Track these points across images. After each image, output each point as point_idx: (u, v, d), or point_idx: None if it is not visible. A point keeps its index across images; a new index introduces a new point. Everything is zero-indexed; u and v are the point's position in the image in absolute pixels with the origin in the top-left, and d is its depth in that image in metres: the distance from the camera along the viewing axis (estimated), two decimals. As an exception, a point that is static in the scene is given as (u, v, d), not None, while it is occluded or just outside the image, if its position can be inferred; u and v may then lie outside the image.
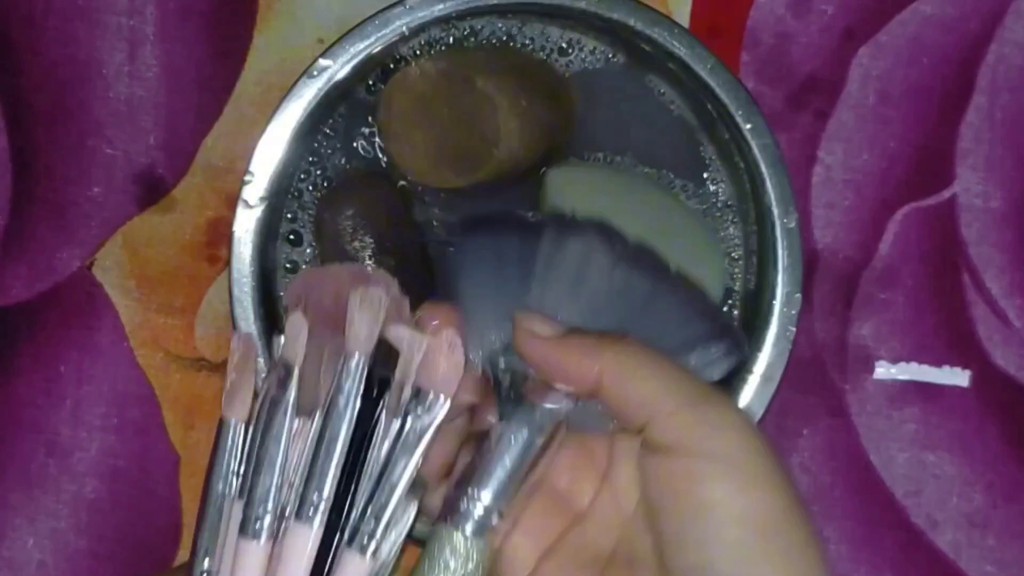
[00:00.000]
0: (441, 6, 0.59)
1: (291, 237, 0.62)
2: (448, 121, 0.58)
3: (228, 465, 0.46)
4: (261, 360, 0.60)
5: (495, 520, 0.46)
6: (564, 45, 0.62)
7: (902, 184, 0.66)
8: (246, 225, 0.59)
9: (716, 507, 0.43)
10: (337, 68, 0.59)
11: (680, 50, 0.60)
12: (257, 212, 0.59)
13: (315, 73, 0.59)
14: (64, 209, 0.65)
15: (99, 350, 0.65)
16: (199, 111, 0.65)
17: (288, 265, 0.62)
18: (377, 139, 0.61)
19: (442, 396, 0.45)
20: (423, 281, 0.61)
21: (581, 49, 0.62)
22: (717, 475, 0.43)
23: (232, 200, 0.60)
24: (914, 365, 0.65)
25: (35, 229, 0.65)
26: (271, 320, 0.60)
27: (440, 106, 0.58)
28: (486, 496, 0.45)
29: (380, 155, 0.62)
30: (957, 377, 0.65)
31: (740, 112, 0.60)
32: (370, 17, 0.59)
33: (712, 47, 0.60)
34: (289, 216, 0.62)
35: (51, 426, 0.64)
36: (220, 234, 0.64)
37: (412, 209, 0.61)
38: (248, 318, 0.59)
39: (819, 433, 0.65)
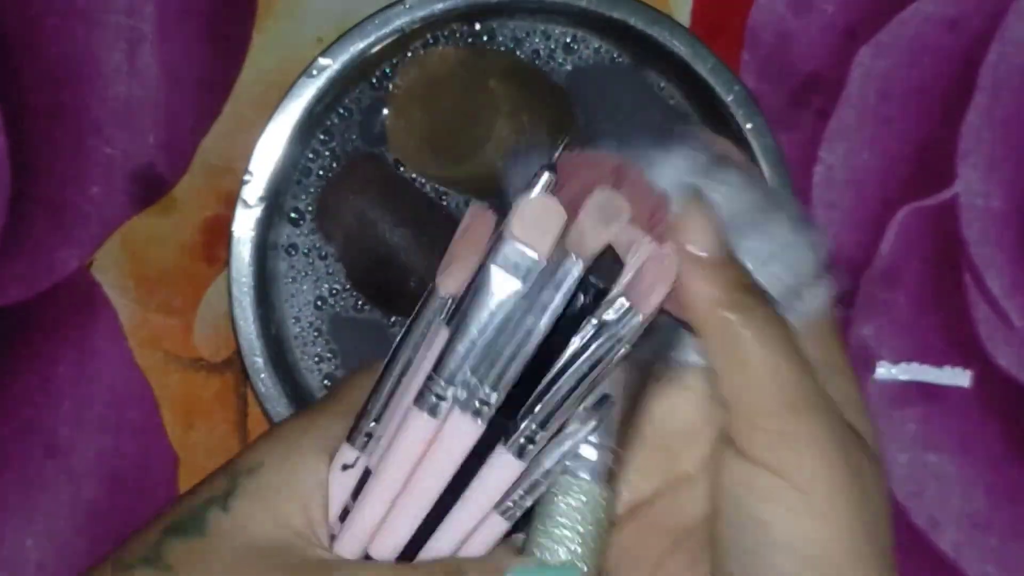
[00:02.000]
0: (441, 6, 0.59)
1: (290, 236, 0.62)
2: (449, 110, 0.59)
3: (423, 335, 0.42)
4: (260, 360, 0.60)
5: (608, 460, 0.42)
6: (568, 41, 0.62)
7: (903, 184, 0.66)
8: (245, 225, 0.59)
9: (771, 529, 0.40)
10: (337, 67, 0.59)
11: (680, 49, 0.60)
12: (256, 212, 0.59)
13: (315, 72, 0.59)
14: (63, 209, 0.65)
15: (98, 350, 0.64)
16: (198, 111, 0.65)
17: (287, 264, 0.62)
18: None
19: (640, 315, 0.41)
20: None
21: (587, 47, 0.62)
22: (780, 495, 0.40)
23: (231, 200, 0.60)
24: (915, 365, 0.65)
25: (33, 229, 0.65)
26: (271, 320, 0.60)
27: (447, 93, 0.59)
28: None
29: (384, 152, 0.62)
30: (958, 377, 0.65)
31: (740, 112, 0.60)
32: (370, 17, 0.59)
33: (712, 46, 0.60)
34: (290, 215, 0.62)
35: (49, 426, 0.64)
36: (219, 234, 0.64)
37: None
38: (247, 318, 0.59)
39: (820, 433, 0.65)
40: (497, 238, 0.41)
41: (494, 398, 0.41)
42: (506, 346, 0.41)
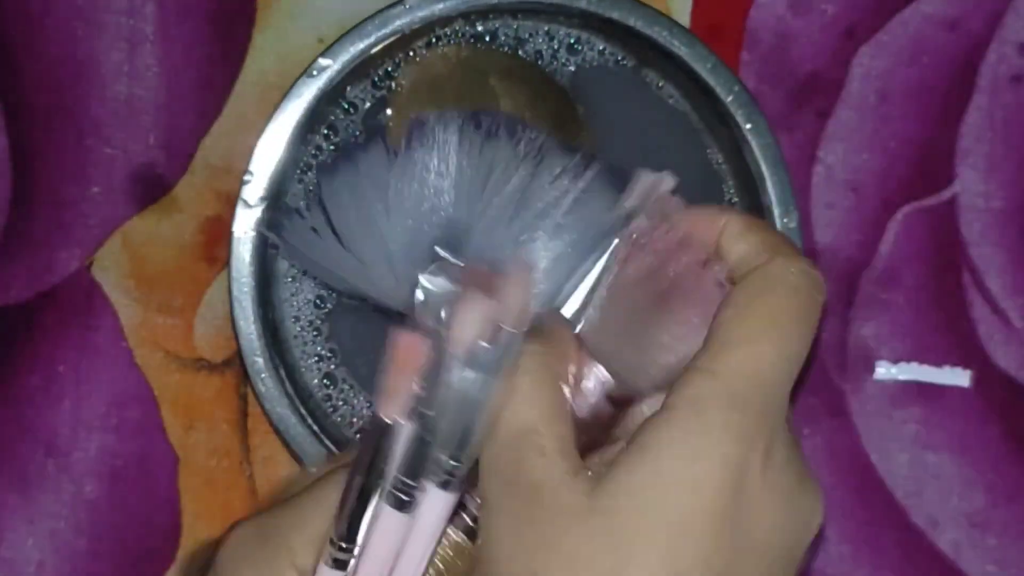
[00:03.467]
0: (441, 6, 0.59)
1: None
2: (451, 108, 0.59)
3: (383, 461, 0.45)
4: (260, 360, 0.60)
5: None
6: (572, 42, 0.62)
7: (903, 184, 0.66)
8: (246, 225, 0.59)
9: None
10: (337, 67, 0.59)
11: (680, 49, 0.60)
12: (257, 212, 0.59)
13: (315, 73, 0.59)
14: (63, 209, 0.65)
15: (98, 350, 0.64)
16: (198, 111, 0.65)
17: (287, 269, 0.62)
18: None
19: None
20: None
21: (592, 49, 0.62)
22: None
23: (232, 200, 0.60)
24: (915, 365, 0.65)
25: (34, 229, 0.65)
26: (270, 320, 0.60)
27: (449, 92, 0.58)
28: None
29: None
30: (958, 377, 0.65)
31: (740, 112, 0.60)
32: (370, 17, 0.59)
33: (712, 46, 0.60)
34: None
35: (50, 426, 0.64)
36: (219, 234, 0.64)
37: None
38: (248, 318, 0.59)
39: (819, 433, 0.65)
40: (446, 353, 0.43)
41: (461, 469, 0.43)
42: (461, 421, 0.43)
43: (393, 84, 0.60)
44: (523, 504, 0.40)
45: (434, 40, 0.61)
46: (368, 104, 0.61)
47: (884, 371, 0.65)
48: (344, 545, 0.45)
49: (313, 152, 0.61)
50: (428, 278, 0.44)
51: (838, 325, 0.65)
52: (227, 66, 0.65)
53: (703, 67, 0.60)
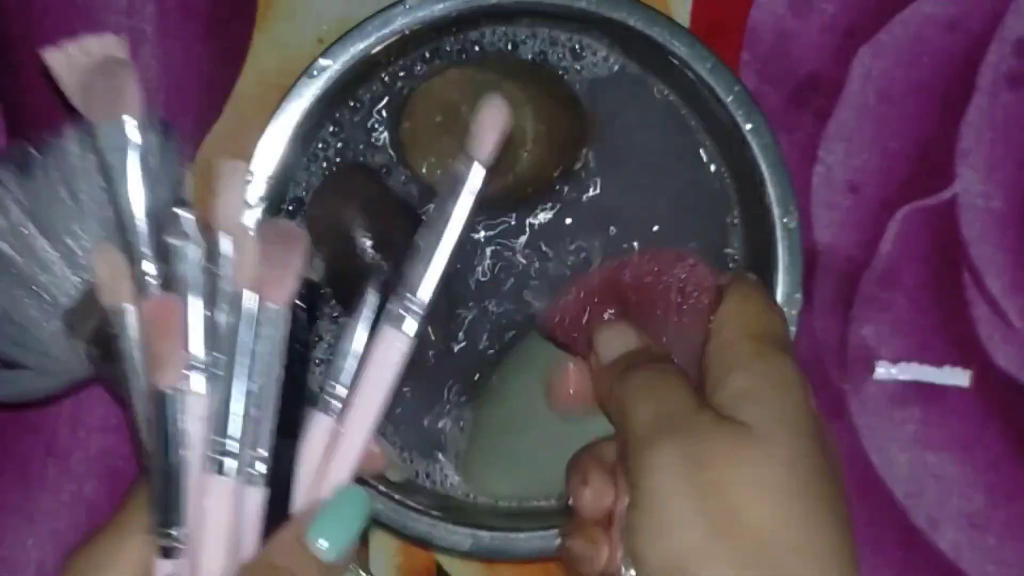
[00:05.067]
0: (441, 6, 0.59)
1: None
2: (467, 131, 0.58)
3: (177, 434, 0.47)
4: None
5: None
6: (576, 47, 0.62)
7: (903, 184, 0.66)
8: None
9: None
10: (337, 68, 0.59)
11: (680, 49, 0.60)
12: (257, 212, 0.59)
13: (315, 73, 0.59)
14: (63, 209, 0.65)
15: (98, 350, 0.64)
16: (198, 111, 0.65)
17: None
18: (377, 137, 0.61)
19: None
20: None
21: (594, 53, 0.62)
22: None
23: (232, 200, 0.60)
24: (915, 365, 0.65)
25: (34, 229, 0.65)
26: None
27: (467, 111, 0.57)
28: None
29: (385, 152, 0.62)
30: (958, 377, 0.65)
31: (740, 112, 0.60)
32: (370, 17, 0.59)
33: (712, 46, 0.60)
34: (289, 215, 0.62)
35: (50, 426, 0.64)
36: (219, 234, 0.64)
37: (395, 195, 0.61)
38: (248, 318, 0.59)
39: (819, 433, 0.65)
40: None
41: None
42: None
43: (403, 124, 0.59)
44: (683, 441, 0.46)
45: (434, 51, 0.61)
46: (368, 104, 0.61)
47: (884, 371, 0.65)
48: (168, 532, 0.46)
49: (311, 155, 0.61)
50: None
51: (838, 325, 0.65)
52: (227, 66, 0.65)
53: (703, 67, 0.60)
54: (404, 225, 0.59)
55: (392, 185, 0.61)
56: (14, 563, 0.64)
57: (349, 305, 0.60)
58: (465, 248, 0.59)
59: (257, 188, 0.59)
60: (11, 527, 0.64)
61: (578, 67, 0.62)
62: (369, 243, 0.58)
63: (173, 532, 0.46)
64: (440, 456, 0.61)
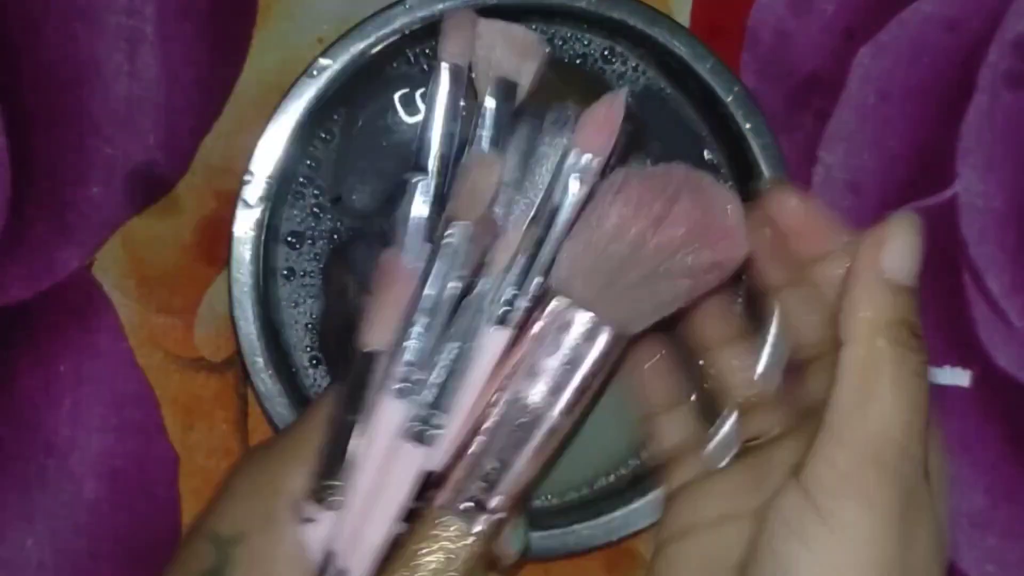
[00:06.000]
0: (441, 6, 0.59)
1: (289, 238, 0.61)
2: None
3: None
4: (260, 360, 0.60)
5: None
6: (577, 49, 0.62)
7: (903, 184, 0.66)
8: (246, 225, 0.59)
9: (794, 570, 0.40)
10: (337, 68, 0.59)
11: (680, 49, 0.60)
12: (257, 212, 0.59)
13: (315, 73, 0.59)
14: (63, 209, 0.65)
15: (98, 350, 0.64)
16: (198, 111, 0.65)
17: (286, 272, 0.62)
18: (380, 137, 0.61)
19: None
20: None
21: (594, 52, 0.62)
22: (815, 539, 0.40)
23: (232, 200, 0.60)
24: (915, 365, 0.65)
25: (34, 229, 0.65)
26: (270, 320, 0.60)
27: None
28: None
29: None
30: (958, 377, 0.65)
31: (740, 112, 0.60)
32: (370, 17, 0.59)
33: (712, 46, 0.60)
34: (289, 216, 0.62)
35: (50, 426, 0.64)
36: (219, 234, 0.64)
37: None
38: (248, 318, 0.59)
39: (819, 433, 0.65)
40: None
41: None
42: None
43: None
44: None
45: (432, 52, 0.61)
46: (368, 104, 0.61)
47: (884, 371, 0.65)
48: (327, 483, 0.46)
49: (312, 155, 0.61)
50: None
51: (838, 325, 0.65)
52: (227, 66, 0.65)
53: (703, 67, 0.60)
54: None
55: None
56: (13, 563, 0.64)
57: (337, 371, 0.61)
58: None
59: (257, 188, 0.59)
60: (11, 527, 0.64)
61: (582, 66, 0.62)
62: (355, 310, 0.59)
63: (332, 485, 0.46)
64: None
